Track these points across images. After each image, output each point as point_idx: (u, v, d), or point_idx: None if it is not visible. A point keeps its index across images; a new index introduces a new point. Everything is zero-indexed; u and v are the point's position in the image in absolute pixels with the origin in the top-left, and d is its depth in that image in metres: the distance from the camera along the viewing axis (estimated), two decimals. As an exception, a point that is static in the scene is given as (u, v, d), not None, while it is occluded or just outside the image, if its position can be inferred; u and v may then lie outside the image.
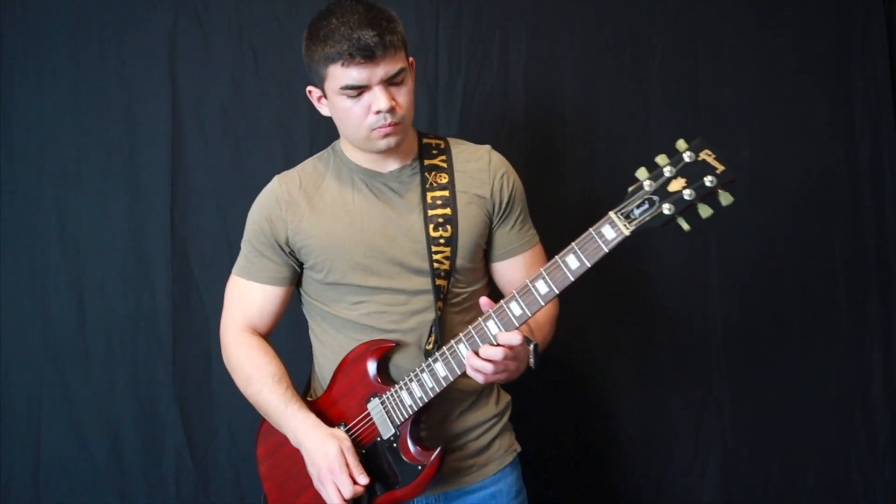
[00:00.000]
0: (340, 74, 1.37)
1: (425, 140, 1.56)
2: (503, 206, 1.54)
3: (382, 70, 1.36)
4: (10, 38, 2.15)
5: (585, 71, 2.16)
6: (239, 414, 2.15)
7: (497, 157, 1.57)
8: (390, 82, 1.39)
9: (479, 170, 1.54)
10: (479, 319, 1.34)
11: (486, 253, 1.57)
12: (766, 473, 2.15)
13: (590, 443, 2.09)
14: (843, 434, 2.15)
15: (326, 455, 1.41)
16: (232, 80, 2.16)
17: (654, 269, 2.12)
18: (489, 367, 1.31)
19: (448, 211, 1.48)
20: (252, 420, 2.13)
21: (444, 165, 1.53)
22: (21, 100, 2.15)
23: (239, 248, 2.15)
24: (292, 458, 1.50)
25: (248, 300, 1.57)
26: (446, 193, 1.50)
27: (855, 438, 2.15)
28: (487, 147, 1.59)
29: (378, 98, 1.37)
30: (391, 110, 1.39)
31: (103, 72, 2.16)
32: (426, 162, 1.53)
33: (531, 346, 1.38)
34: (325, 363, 1.56)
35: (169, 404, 2.14)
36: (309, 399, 1.57)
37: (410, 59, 1.46)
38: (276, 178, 1.57)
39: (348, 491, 1.39)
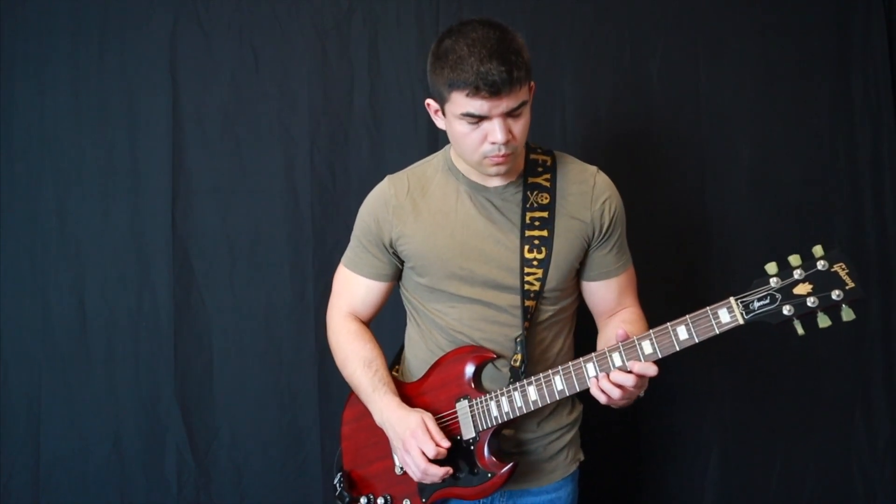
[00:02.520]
0: (463, 102, 1.39)
1: (532, 156, 1.58)
2: (603, 230, 1.55)
3: (505, 104, 1.38)
4: (10, 38, 2.15)
5: (585, 71, 2.16)
6: (240, 413, 2.15)
7: (602, 181, 1.58)
8: (509, 114, 1.41)
9: (583, 193, 1.55)
10: (580, 359, 1.42)
11: (578, 272, 1.59)
12: (766, 473, 2.15)
13: (585, 443, 2.09)
14: (843, 434, 2.15)
15: (409, 425, 1.48)
16: (232, 80, 2.16)
17: (654, 269, 2.12)
18: (617, 393, 1.36)
19: (545, 233, 1.51)
20: (253, 420, 2.16)
21: (548, 185, 1.55)
22: (21, 100, 2.16)
23: (239, 246, 2.17)
24: (375, 429, 1.58)
25: (352, 291, 1.67)
26: (546, 214, 1.53)
27: (855, 438, 2.15)
28: (594, 169, 1.59)
29: (495, 131, 1.40)
30: (506, 143, 1.41)
31: (103, 72, 2.16)
32: (530, 180, 1.55)
33: None
34: (419, 352, 1.63)
35: (170, 404, 2.14)
36: (395, 375, 1.66)
37: (532, 83, 1.46)
38: (386, 179, 1.62)
39: (432, 451, 1.44)
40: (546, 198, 1.54)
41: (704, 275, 2.15)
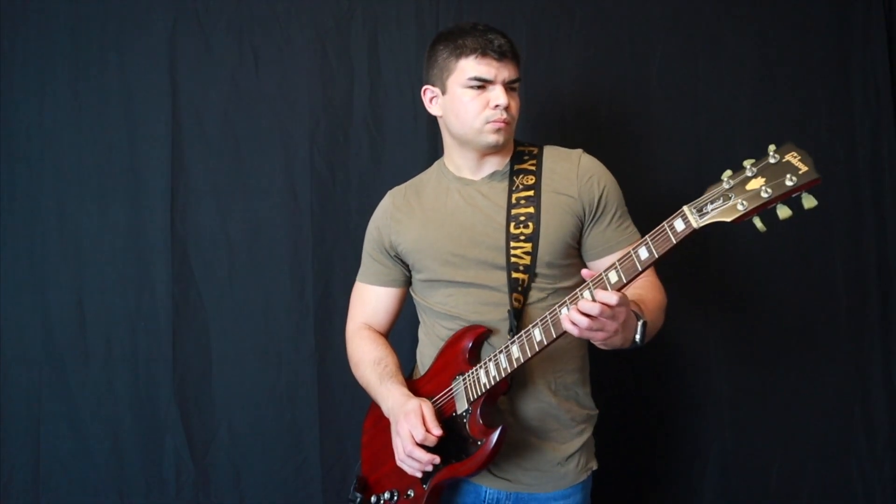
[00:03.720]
0: (471, 67, 1.54)
1: (519, 148, 1.68)
2: (593, 206, 1.59)
3: (507, 72, 1.55)
4: (10, 38, 2.16)
5: (585, 71, 2.16)
6: (239, 414, 2.15)
7: (587, 160, 1.63)
8: (507, 86, 1.55)
9: (568, 170, 1.61)
10: (556, 307, 1.41)
11: (582, 253, 1.63)
12: (766, 473, 2.15)
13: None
14: (843, 434, 2.15)
15: (405, 408, 1.53)
16: (232, 80, 2.16)
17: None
18: (584, 321, 1.33)
19: (531, 209, 1.58)
20: (252, 420, 2.16)
21: (533, 168, 1.63)
22: (21, 100, 2.16)
23: (238, 246, 2.18)
24: (386, 431, 1.62)
25: (364, 301, 1.78)
26: (531, 193, 1.60)
27: (855, 438, 2.15)
28: (579, 150, 1.65)
29: (499, 95, 1.54)
30: (507, 108, 1.54)
31: (103, 72, 2.16)
32: (516, 167, 1.64)
33: (639, 322, 1.42)
34: (425, 350, 1.71)
35: (169, 404, 2.14)
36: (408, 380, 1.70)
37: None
38: (387, 194, 1.76)
39: (420, 435, 1.47)
40: (531, 179, 1.61)
41: (703, 275, 2.15)
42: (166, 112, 2.15)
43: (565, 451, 1.60)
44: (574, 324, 1.34)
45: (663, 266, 2.17)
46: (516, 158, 1.65)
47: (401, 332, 1.83)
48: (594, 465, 1.67)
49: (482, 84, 1.53)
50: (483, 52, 1.52)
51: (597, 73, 2.16)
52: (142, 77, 2.16)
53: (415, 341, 1.79)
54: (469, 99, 1.54)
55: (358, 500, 1.67)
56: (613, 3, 2.17)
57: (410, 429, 1.48)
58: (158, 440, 2.15)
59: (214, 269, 2.16)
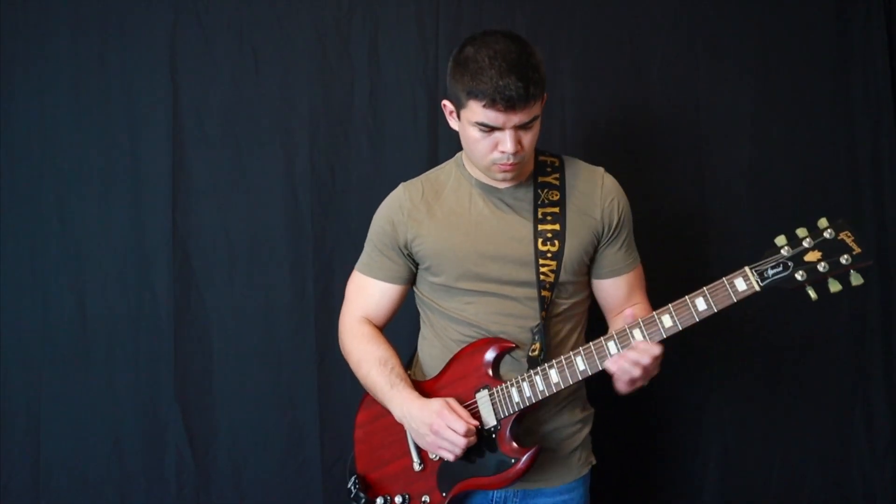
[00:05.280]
0: (479, 112, 1.45)
1: (541, 157, 1.65)
2: (611, 229, 1.60)
3: (518, 118, 1.45)
4: (10, 38, 2.15)
5: (585, 71, 2.16)
6: (240, 413, 2.16)
7: (609, 182, 1.63)
8: (520, 127, 1.47)
9: (592, 191, 1.61)
10: (601, 338, 1.46)
11: (589, 269, 1.64)
12: (766, 473, 2.15)
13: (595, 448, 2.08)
14: (843, 434, 2.15)
15: (433, 408, 1.50)
16: (232, 80, 2.16)
17: (653, 270, 2.12)
18: (637, 372, 1.41)
19: (557, 227, 1.57)
20: (253, 420, 2.16)
21: (557, 183, 1.61)
22: (21, 100, 2.16)
23: (239, 246, 2.17)
24: (390, 429, 1.61)
25: (366, 295, 1.70)
26: (557, 210, 1.58)
27: (855, 438, 2.15)
28: (602, 170, 1.65)
29: (506, 141, 1.46)
30: (515, 153, 1.47)
31: (103, 72, 2.16)
32: (540, 179, 1.62)
33: None
34: (433, 351, 1.67)
35: (169, 404, 2.14)
36: (409, 376, 1.67)
37: (545, 94, 1.51)
38: (400, 186, 1.68)
39: (462, 427, 1.46)
40: (556, 195, 1.60)
41: (702, 275, 2.14)
42: (166, 112, 2.15)
43: (568, 447, 1.63)
44: (621, 370, 1.41)
45: (665, 266, 2.18)
46: (539, 170, 1.63)
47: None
48: (593, 460, 1.69)
49: (490, 128, 1.46)
50: (492, 100, 1.41)
51: (596, 73, 2.16)
52: (142, 77, 2.15)
53: (405, 335, 1.78)
54: (478, 137, 1.49)
55: (363, 500, 1.65)
56: (613, 3, 2.17)
57: (448, 424, 1.47)
58: (159, 440, 2.15)
59: (215, 269, 2.16)
